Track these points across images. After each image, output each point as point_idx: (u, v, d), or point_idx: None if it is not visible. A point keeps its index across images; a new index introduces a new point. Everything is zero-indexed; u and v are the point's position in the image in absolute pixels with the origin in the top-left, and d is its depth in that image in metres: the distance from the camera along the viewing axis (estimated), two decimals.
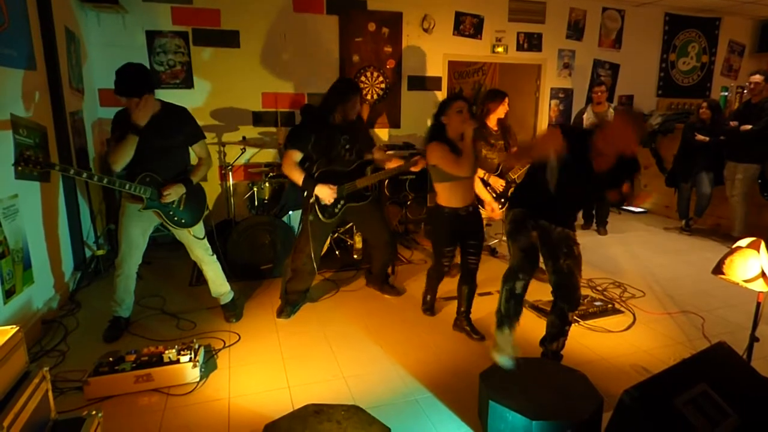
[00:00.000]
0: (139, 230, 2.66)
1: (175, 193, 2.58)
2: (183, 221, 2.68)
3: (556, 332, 2.36)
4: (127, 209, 2.62)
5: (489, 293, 3.38)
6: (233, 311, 2.96)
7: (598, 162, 2.09)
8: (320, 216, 2.90)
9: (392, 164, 3.05)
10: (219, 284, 2.91)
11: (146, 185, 2.53)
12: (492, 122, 3.57)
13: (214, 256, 2.87)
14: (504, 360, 2.07)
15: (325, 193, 2.83)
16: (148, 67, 4.49)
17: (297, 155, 2.85)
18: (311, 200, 2.87)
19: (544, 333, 2.46)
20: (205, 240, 2.81)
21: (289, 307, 3.07)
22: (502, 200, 3.49)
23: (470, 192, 2.74)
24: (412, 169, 3.01)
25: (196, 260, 2.85)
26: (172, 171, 2.62)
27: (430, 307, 3.09)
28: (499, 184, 3.52)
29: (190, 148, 2.72)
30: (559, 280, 2.23)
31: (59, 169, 2.52)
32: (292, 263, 3.03)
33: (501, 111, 3.53)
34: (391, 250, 3.36)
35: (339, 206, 2.95)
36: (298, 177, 2.84)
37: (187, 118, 2.67)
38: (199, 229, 2.77)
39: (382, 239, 3.22)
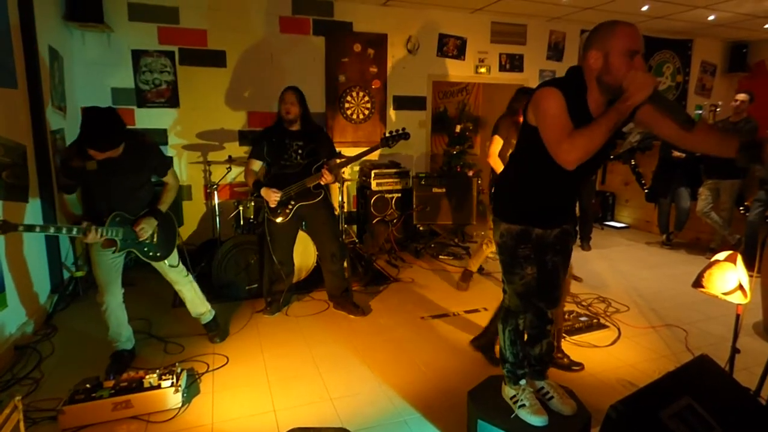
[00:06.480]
0: (114, 260, 2.50)
1: (149, 227, 2.44)
2: (158, 254, 2.57)
3: (536, 333, 2.02)
4: (97, 243, 2.42)
5: (477, 310, 3.38)
6: (216, 330, 2.89)
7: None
8: (271, 217, 3.12)
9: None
10: (197, 304, 2.83)
11: (117, 226, 2.35)
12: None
13: (190, 275, 2.78)
14: (540, 419, 1.82)
15: (269, 195, 3.03)
16: (134, 86, 4.48)
17: (254, 164, 3.16)
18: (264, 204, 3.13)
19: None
20: (180, 264, 2.72)
21: (274, 305, 3.29)
22: None
23: None
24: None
25: (171, 282, 2.74)
26: (142, 206, 2.49)
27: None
28: None
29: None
30: (539, 276, 1.90)
31: (22, 230, 2.15)
32: (269, 270, 3.29)
33: None
34: (338, 264, 3.28)
35: (290, 207, 3.11)
36: (251, 182, 3.11)
37: (152, 152, 2.51)
38: (174, 257, 2.67)
39: (328, 250, 3.25)
